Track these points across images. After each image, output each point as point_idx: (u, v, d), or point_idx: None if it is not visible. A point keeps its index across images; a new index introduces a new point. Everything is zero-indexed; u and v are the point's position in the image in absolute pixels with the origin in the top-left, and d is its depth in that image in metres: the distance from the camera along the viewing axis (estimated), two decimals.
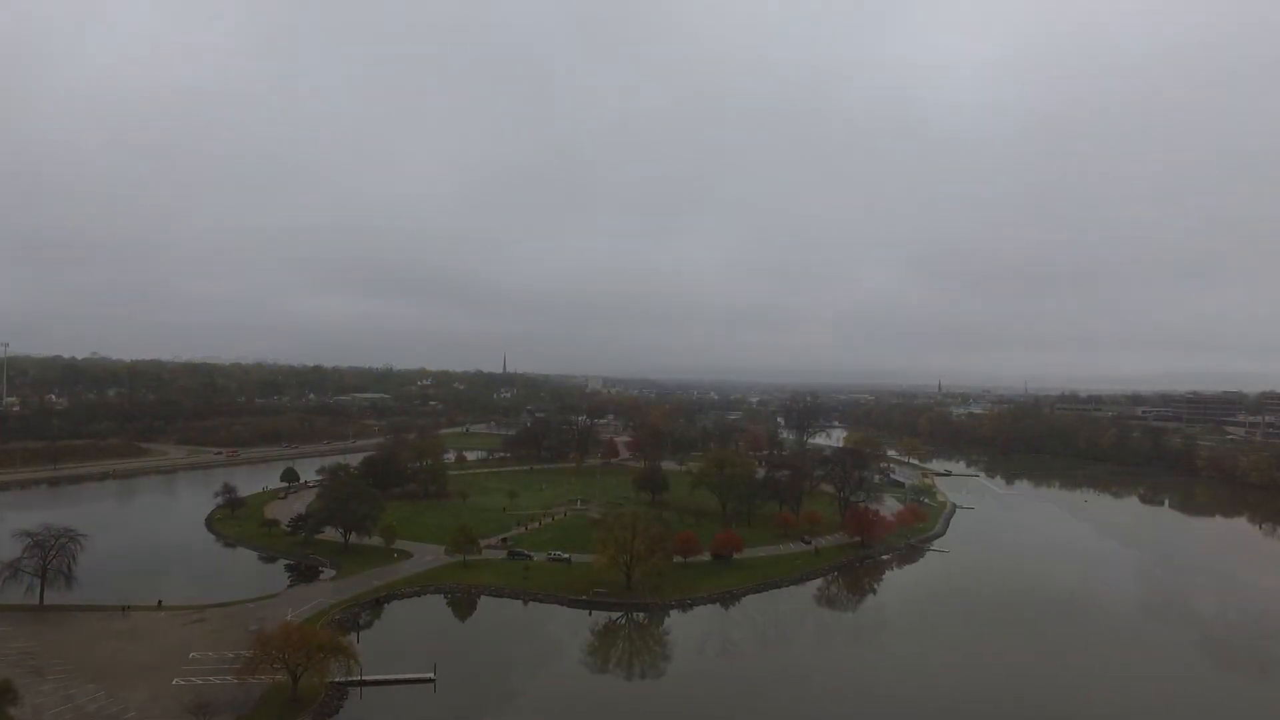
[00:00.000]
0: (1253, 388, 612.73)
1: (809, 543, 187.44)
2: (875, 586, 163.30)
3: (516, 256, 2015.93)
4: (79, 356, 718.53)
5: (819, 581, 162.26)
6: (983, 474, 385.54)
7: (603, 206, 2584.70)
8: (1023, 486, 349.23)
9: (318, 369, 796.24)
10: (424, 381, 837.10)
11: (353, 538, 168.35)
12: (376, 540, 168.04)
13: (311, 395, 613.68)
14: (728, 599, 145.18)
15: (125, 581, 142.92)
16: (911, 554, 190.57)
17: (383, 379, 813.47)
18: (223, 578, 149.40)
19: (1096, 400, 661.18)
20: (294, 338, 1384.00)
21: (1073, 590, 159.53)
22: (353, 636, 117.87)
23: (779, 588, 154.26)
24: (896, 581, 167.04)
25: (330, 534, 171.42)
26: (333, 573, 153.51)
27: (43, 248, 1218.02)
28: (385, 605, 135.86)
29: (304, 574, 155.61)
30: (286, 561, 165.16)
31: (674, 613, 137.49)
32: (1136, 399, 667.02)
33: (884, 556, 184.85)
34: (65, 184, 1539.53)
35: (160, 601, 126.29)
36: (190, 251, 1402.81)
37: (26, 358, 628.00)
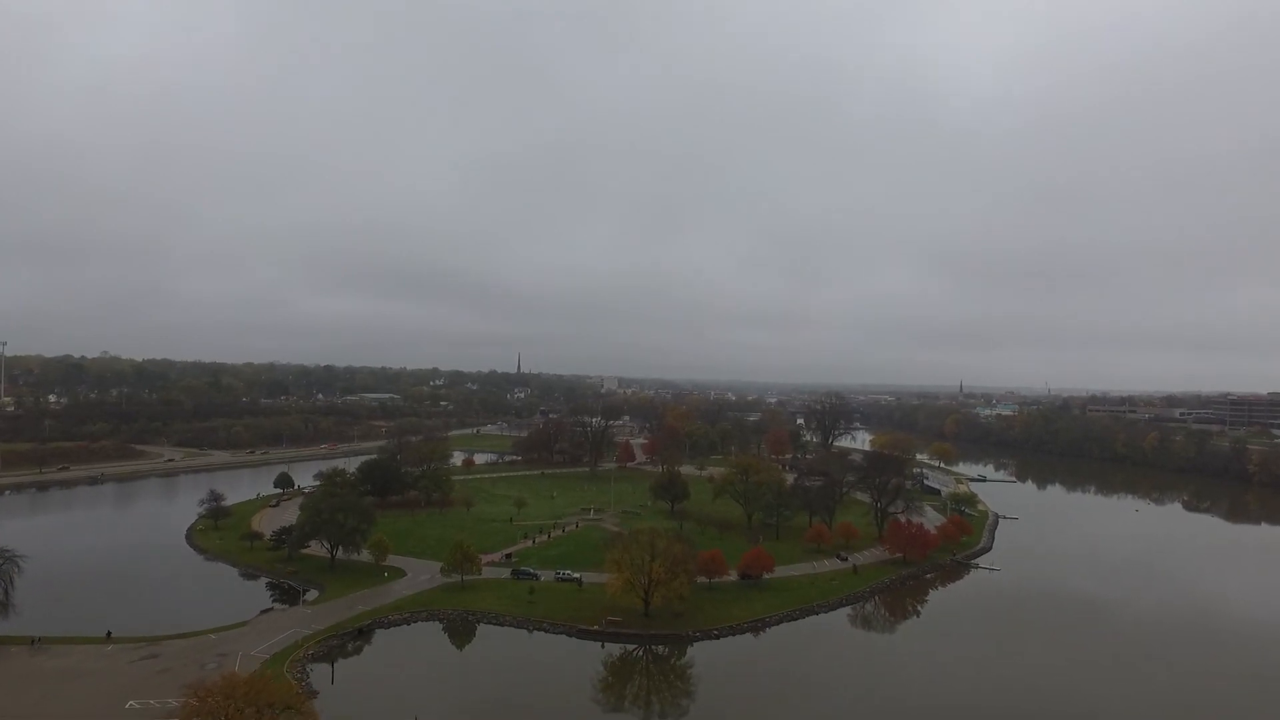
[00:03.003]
0: None
1: (845, 559, 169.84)
2: (928, 613, 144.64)
3: (529, 256, 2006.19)
4: (90, 356, 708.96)
5: (861, 606, 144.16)
6: (1015, 478, 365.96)
7: (613, 204, 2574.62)
8: (1062, 493, 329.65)
9: (329, 369, 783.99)
10: (436, 382, 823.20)
11: (340, 553, 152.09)
12: (367, 556, 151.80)
13: (320, 395, 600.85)
14: (759, 628, 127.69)
15: (81, 605, 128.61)
16: (956, 571, 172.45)
17: (395, 379, 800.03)
18: (192, 600, 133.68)
19: (1130, 401, 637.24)
20: (308, 338, 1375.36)
21: (1155, 614, 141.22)
22: (328, 674, 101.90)
23: (817, 614, 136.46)
24: (950, 606, 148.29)
25: (317, 548, 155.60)
26: (316, 594, 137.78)
27: (53, 247, 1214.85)
28: (370, 635, 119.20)
29: (286, 595, 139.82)
30: (269, 580, 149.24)
31: (698, 644, 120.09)
32: (1171, 400, 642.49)
33: (927, 575, 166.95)
34: (73, 182, 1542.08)
35: (109, 632, 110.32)
36: (200, 250, 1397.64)
37: (36, 357, 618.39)
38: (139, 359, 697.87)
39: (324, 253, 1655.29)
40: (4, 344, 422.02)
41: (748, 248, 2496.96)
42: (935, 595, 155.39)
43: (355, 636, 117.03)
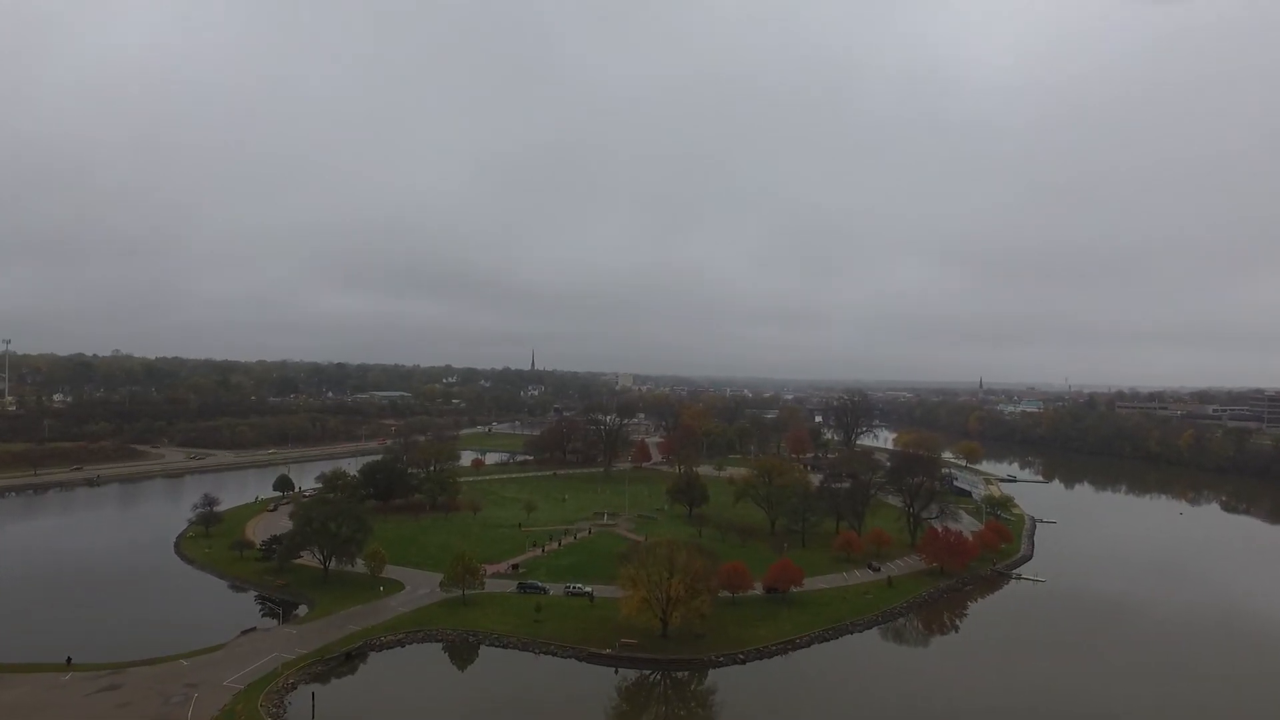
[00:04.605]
0: None
1: (877, 569, 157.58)
2: (974, 631, 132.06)
3: (542, 253, 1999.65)
4: (102, 354, 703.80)
5: (899, 624, 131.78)
6: (1042, 478, 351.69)
7: (624, 200, 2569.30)
8: (1096, 494, 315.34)
9: (341, 367, 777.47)
10: (449, 379, 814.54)
11: (334, 564, 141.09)
12: (362, 567, 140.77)
13: (330, 394, 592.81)
14: (788, 650, 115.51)
15: (47, 624, 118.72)
16: (996, 583, 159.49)
17: (407, 377, 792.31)
18: (169, 618, 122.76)
19: (1159, 397, 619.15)
20: (323, 336, 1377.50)
21: (1218, 627, 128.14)
22: (308, 706, 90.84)
23: (852, 633, 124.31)
24: (996, 624, 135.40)
25: (311, 558, 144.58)
26: (305, 610, 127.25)
27: (64, 246, 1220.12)
28: (360, 659, 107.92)
29: (274, 611, 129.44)
30: (257, 594, 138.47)
31: (721, 669, 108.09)
32: (1204, 396, 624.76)
33: (967, 587, 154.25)
34: (82, 180, 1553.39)
35: (69, 658, 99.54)
36: (213, 248, 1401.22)
37: (48, 355, 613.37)
38: (152, 358, 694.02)
39: (338, 251, 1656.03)
40: (8, 342, 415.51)
41: (760, 244, 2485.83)
42: (980, 612, 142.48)
43: (343, 661, 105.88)
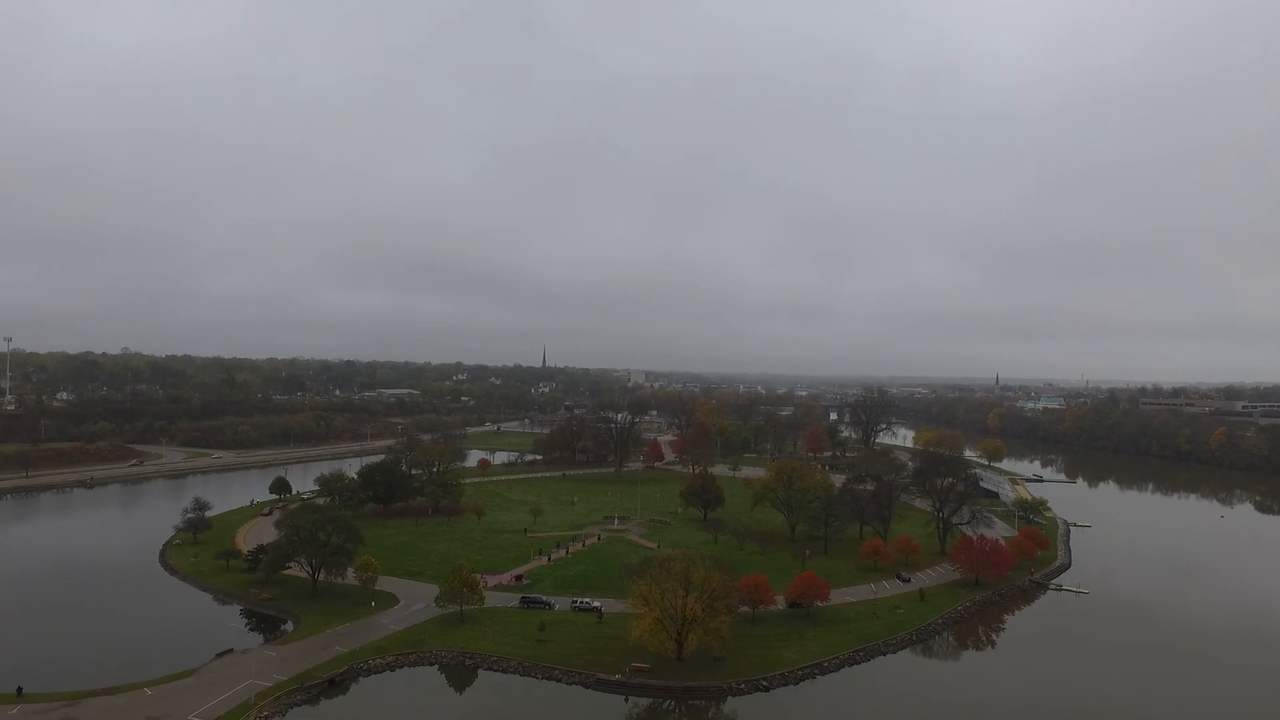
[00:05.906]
0: None
1: (907, 580, 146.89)
2: (1017, 650, 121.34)
3: (552, 249, 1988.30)
4: (112, 353, 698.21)
5: (936, 642, 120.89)
6: (1065, 476, 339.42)
7: (635, 195, 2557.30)
8: (1125, 494, 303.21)
9: (350, 364, 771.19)
10: (459, 376, 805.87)
11: (323, 575, 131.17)
12: (354, 579, 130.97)
13: (337, 391, 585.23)
14: (817, 674, 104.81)
15: (6, 643, 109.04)
16: (1033, 594, 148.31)
17: (417, 374, 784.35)
18: (140, 638, 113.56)
19: (1183, 393, 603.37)
20: (333, 334, 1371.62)
21: None
22: None
23: (884, 654, 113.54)
24: (1037, 641, 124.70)
25: (301, 569, 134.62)
26: (291, 627, 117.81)
27: (72, 244, 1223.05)
28: (347, 684, 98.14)
29: (258, 627, 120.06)
30: (242, 608, 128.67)
31: (742, 698, 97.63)
32: (1230, 392, 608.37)
33: (1004, 600, 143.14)
34: (89, 178, 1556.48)
35: (20, 689, 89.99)
36: (222, 246, 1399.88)
37: (59, 353, 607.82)
38: (161, 355, 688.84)
39: (347, 248, 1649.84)
40: (9, 340, 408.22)
41: (772, 240, 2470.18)
42: (1021, 627, 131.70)
43: (325, 689, 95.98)
